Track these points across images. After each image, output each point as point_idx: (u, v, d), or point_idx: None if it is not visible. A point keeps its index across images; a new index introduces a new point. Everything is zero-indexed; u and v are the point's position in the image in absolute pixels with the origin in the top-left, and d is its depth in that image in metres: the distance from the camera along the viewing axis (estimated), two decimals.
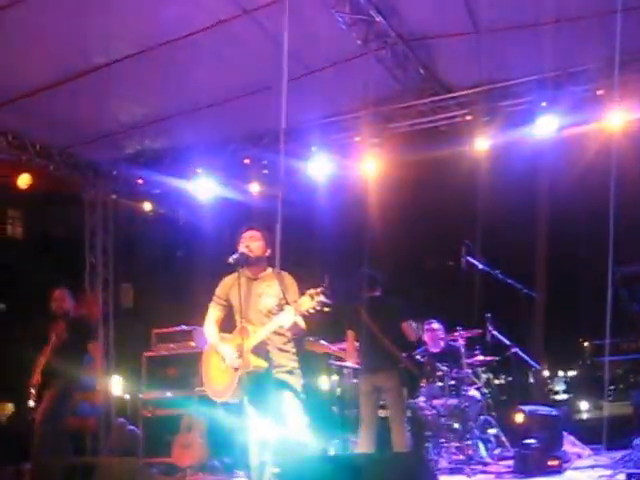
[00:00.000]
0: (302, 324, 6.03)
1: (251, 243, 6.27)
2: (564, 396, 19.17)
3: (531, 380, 15.17)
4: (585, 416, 13.09)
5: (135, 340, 13.96)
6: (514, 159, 11.27)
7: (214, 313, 6.42)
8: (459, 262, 9.23)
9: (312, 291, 5.82)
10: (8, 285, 19.30)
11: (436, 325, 9.95)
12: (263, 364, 6.02)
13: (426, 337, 9.98)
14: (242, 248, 6.22)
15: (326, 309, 5.91)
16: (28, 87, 9.70)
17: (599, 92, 9.72)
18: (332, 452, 9.42)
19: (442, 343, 9.82)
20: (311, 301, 5.79)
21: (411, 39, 9.16)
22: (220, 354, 6.18)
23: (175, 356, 10.94)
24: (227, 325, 6.32)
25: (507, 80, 9.96)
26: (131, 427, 11.53)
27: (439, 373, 9.40)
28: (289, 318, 5.90)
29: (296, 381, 6.24)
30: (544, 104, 9.98)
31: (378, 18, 8.55)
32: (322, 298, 5.79)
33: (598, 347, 11.77)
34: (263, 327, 6.02)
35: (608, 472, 7.81)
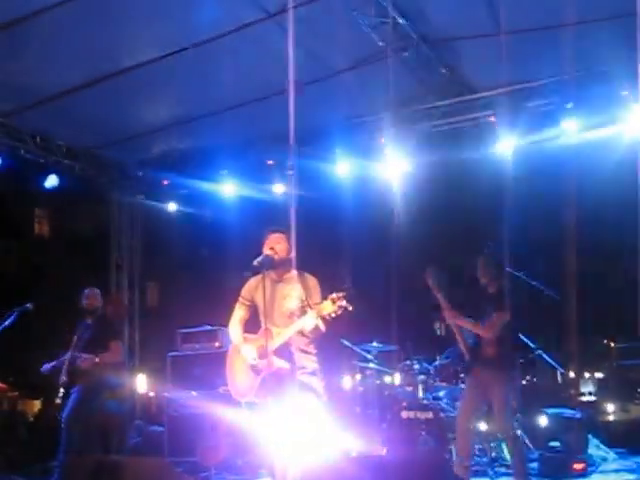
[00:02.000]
0: (322, 328, 6.09)
1: (276, 245, 6.35)
2: (591, 398, 19.06)
3: (559, 380, 15.13)
4: (611, 418, 13.04)
5: (160, 339, 14.09)
6: (538, 159, 11.27)
7: (239, 314, 6.52)
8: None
9: (334, 295, 5.88)
10: (35, 284, 19.49)
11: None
12: (285, 365, 6.10)
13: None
14: (267, 250, 6.31)
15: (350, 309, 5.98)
16: (56, 89, 9.83)
17: (623, 93, 9.69)
18: (355, 452, 9.47)
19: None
20: (332, 305, 5.85)
21: (434, 41, 9.18)
22: (242, 355, 6.27)
23: (200, 356, 11.02)
24: (253, 326, 6.41)
25: (531, 81, 9.96)
26: (155, 427, 11.64)
27: (462, 375, 9.42)
28: (311, 321, 5.97)
29: (318, 382, 6.32)
30: (569, 105, 9.98)
31: (401, 20, 8.58)
32: (343, 303, 5.85)
33: (625, 349, 11.75)
34: (286, 329, 6.10)
35: (633, 477, 7.83)
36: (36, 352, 9.19)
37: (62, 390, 8.70)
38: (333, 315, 5.88)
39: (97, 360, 8.63)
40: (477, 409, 7.51)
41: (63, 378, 8.65)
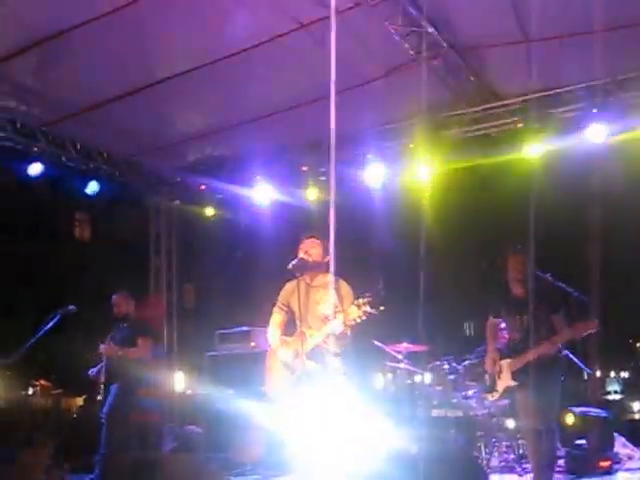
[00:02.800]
0: (349, 332, 6.13)
1: (310, 249, 6.40)
2: (616, 397, 18.90)
3: (585, 378, 15.01)
4: (637, 417, 12.95)
5: (197, 339, 14.16)
6: (565, 165, 11.20)
7: (277, 318, 6.58)
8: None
9: (360, 301, 5.92)
10: (77, 286, 19.66)
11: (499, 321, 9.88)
12: (318, 367, 6.14)
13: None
14: (301, 254, 6.36)
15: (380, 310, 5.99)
16: (95, 100, 9.94)
17: None
18: (386, 450, 9.46)
19: (503, 340, 9.75)
20: (358, 310, 5.89)
21: (463, 49, 9.16)
22: (279, 357, 6.33)
23: (236, 355, 11.09)
24: (292, 329, 6.46)
25: (557, 87, 9.91)
26: (191, 424, 11.71)
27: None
28: (339, 326, 6.00)
29: (349, 383, 6.34)
30: (595, 111, 9.92)
31: (430, 29, 8.57)
32: (368, 308, 5.88)
33: None
34: (318, 332, 6.14)
35: None
36: (78, 352, 9.27)
37: (102, 387, 8.82)
38: (359, 320, 5.91)
39: (120, 353, 8.74)
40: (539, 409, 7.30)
41: (101, 377, 8.77)
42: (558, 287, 7.15)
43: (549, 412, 7.10)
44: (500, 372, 7.31)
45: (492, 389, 7.40)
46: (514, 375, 7.17)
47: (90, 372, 9.08)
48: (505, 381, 7.26)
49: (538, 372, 6.96)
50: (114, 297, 9.24)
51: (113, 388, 8.79)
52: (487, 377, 7.56)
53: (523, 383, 7.08)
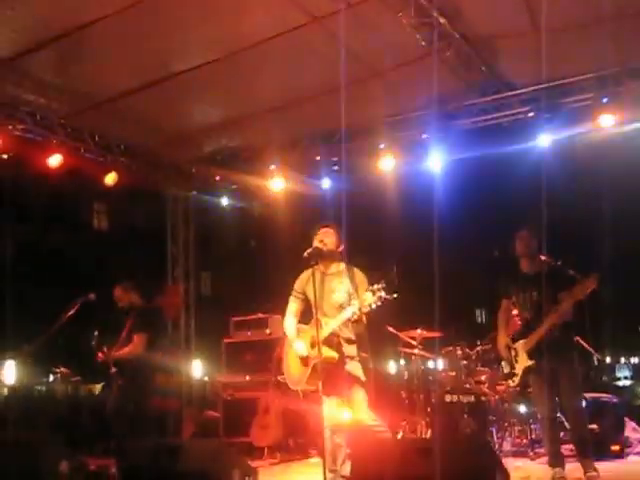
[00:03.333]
0: (364, 318, 6.16)
1: (325, 238, 6.45)
2: (627, 382, 18.92)
3: (595, 364, 15.02)
4: None
5: (214, 326, 14.23)
6: (576, 154, 11.18)
7: (293, 306, 6.64)
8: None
9: (375, 287, 5.96)
10: (96, 274, 19.76)
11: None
12: (334, 354, 6.18)
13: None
14: (316, 243, 6.40)
15: (394, 296, 6.02)
16: (113, 92, 9.96)
17: None
18: (400, 435, 9.52)
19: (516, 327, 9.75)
20: (373, 296, 5.92)
21: (474, 39, 9.13)
22: (295, 346, 6.39)
23: (252, 342, 11.14)
24: (308, 316, 6.50)
25: (568, 77, 9.88)
26: (210, 411, 11.79)
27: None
28: (355, 311, 6.04)
29: (364, 369, 6.39)
30: (605, 100, 9.88)
31: (442, 20, 8.56)
32: (383, 294, 5.91)
33: None
34: (334, 319, 6.18)
35: None
36: (97, 339, 9.33)
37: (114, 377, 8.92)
38: (374, 306, 5.94)
39: (111, 358, 8.91)
40: (555, 396, 7.32)
41: (112, 369, 8.94)
42: (562, 268, 7.17)
43: (571, 395, 7.17)
44: (516, 355, 7.36)
45: (511, 375, 7.44)
46: (530, 354, 7.22)
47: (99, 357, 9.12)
48: (522, 363, 7.31)
49: (555, 354, 7.04)
50: (115, 291, 9.34)
51: (123, 378, 8.94)
52: (504, 364, 7.61)
53: (540, 362, 7.14)
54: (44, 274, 22.30)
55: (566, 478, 7.06)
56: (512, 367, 7.41)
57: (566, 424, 8.18)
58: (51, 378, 15.59)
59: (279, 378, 9.60)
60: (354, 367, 6.37)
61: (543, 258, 7.34)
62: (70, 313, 8.93)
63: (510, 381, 7.56)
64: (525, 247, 7.39)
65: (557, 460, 7.19)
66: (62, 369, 13.73)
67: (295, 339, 6.45)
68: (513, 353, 7.40)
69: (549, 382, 7.16)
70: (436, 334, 10.07)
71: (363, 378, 6.37)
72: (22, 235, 21.15)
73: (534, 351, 7.19)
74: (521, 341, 7.33)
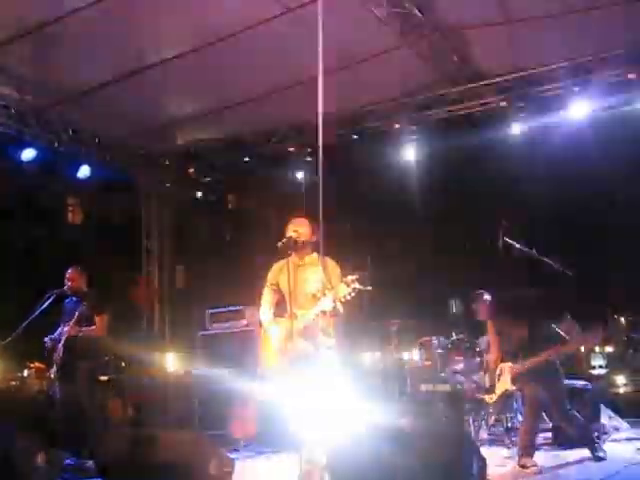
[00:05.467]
0: (340, 309, 6.16)
1: (299, 228, 6.42)
2: (602, 371, 19.01)
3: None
4: (622, 390, 13.02)
5: (189, 319, 14.16)
6: (548, 142, 11.22)
7: (267, 298, 6.61)
8: (497, 243, 9.21)
9: (348, 279, 5.96)
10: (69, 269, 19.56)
11: (485, 295, 9.96)
12: (309, 345, 6.17)
13: (475, 306, 10.01)
14: (290, 233, 6.38)
15: (368, 288, 6.03)
16: (86, 85, 9.92)
17: (630, 76, 9.64)
18: (376, 425, 9.52)
19: (489, 314, 9.79)
20: (347, 288, 5.92)
21: (446, 30, 9.15)
22: (271, 338, 6.37)
23: (228, 334, 11.09)
24: (284, 308, 6.47)
25: (540, 66, 9.92)
26: (186, 403, 11.73)
27: (477, 349, 9.44)
28: (330, 303, 6.04)
29: (340, 360, 6.38)
30: (576, 89, 9.93)
31: (414, 11, 8.57)
32: (357, 285, 5.91)
33: (634, 322, 11.70)
34: (309, 311, 6.17)
35: None
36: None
37: (59, 365, 8.70)
38: (348, 297, 5.95)
39: (80, 332, 8.66)
40: (544, 397, 7.45)
41: (59, 355, 8.63)
42: (556, 296, 7.36)
43: (557, 407, 7.36)
44: (501, 375, 7.50)
45: (491, 391, 7.61)
46: (513, 381, 7.38)
47: (46, 341, 8.94)
48: (504, 384, 7.47)
49: (538, 374, 7.27)
50: (69, 271, 9.08)
51: (77, 368, 8.75)
52: (487, 378, 7.78)
53: (522, 389, 7.48)
54: (17, 269, 22.07)
55: (538, 466, 7.12)
56: (494, 384, 7.58)
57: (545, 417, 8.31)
58: (25, 373, 15.44)
59: (258, 369, 9.58)
60: (331, 357, 6.36)
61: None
62: (44, 306, 8.85)
63: (487, 396, 7.74)
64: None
65: (530, 449, 7.27)
66: (37, 364, 13.61)
67: (271, 325, 6.44)
68: (498, 371, 7.55)
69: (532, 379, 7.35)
70: (409, 324, 10.10)
71: (339, 367, 6.36)
72: None
73: (518, 379, 7.42)
74: (509, 363, 7.48)
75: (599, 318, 7.41)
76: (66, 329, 8.63)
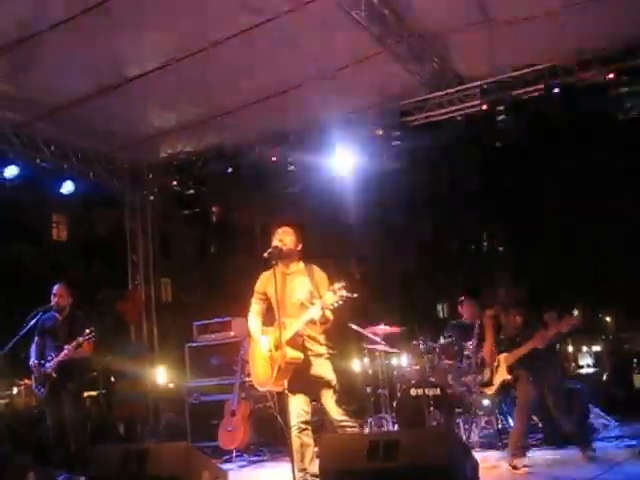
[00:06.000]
0: (330, 316, 6.15)
1: (284, 237, 6.42)
2: (589, 370, 19.09)
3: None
4: (610, 389, 13.06)
5: (176, 332, 14.13)
6: (528, 145, 11.26)
7: (255, 308, 6.59)
8: (481, 245, 9.24)
9: (335, 286, 5.97)
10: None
11: (472, 299, 9.98)
12: (299, 354, 6.15)
13: (461, 309, 10.04)
14: (276, 242, 6.36)
15: (355, 295, 6.03)
16: (67, 99, 9.84)
17: (609, 76, 9.67)
18: (367, 430, 9.50)
19: (475, 317, 9.81)
20: (334, 296, 5.92)
21: (426, 34, 9.15)
22: (260, 348, 6.35)
23: (216, 345, 11.06)
24: (271, 317, 6.46)
25: (520, 69, 9.94)
26: (175, 416, 11.69)
27: (466, 352, 9.43)
28: (318, 312, 6.03)
29: (329, 367, 6.37)
30: (556, 90, 9.95)
31: (393, 15, 8.57)
32: (344, 293, 5.91)
33: (621, 322, 11.74)
34: (297, 319, 6.15)
35: (634, 442, 7.88)
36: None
37: (47, 384, 8.69)
38: (336, 305, 5.95)
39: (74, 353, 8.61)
40: (535, 398, 7.46)
41: (53, 374, 8.64)
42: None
43: (555, 397, 7.41)
44: (498, 366, 7.51)
45: (490, 383, 7.62)
46: (509, 369, 7.39)
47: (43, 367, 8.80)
48: (501, 375, 7.49)
49: (534, 363, 7.34)
50: (57, 287, 9.02)
51: (65, 386, 8.71)
52: (486, 371, 7.80)
53: (519, 376, 7.41)
54: (4, 287, 21.99)
55: (528, 467, 7.14)
56: (491, 377, 7.59)
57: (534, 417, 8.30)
58: (15, 391, 15.35)
59: (246, 380, 9.56)
60: (321, 365, 6.34)
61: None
62: (31, 324, 8.78)
63: (487, 389, 7.75)
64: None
65: (521, 450, 7.28)
66: (26, 382, 13.53)
67: (259, 336, 6.41)
68: (495, 363, 7.56)
69: (530, 375, 7.36)
70: (396, 329, 10.10)
71: (331, 376, 6.35)
72: None
73: (515, 367, 7.41)
74: (504, 354, 7.50)
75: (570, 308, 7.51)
76: (64, 352, 8.57)
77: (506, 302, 7.70)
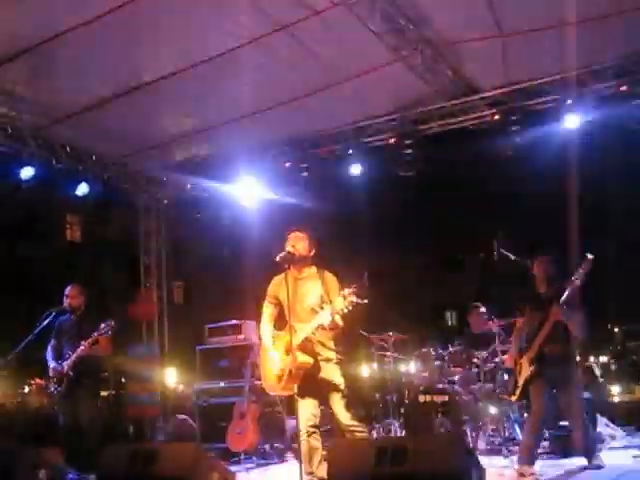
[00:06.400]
0: (339, 322, 6.17)
1: (297, 243, 6.43)
2: (596, 380, 19.03)
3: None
4: (617, 399, 13.04)
5: (187, 334, 14.16)
6: (542, 155, 11.25)
7: (267, 312, 6.62)
8: (492, 254, 9.25)
9: (345, 292, 5.98)
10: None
11: (481, 309, 9.97)
12: (308, 359, 6.18)
13: (470, 318, 10.05)
14: (288, 247, 6.39)
15: (365, 301, 6.05)
16: (83, 103, 9.90)
17: (622, 88, 9.68)
18: (375, 436, 9.51)
19: (485, 326, 9.82)
20: (343, 301, 5.94)
21: (440, 44, 9.17)
22: (271, 352, 6.38)
23: (226, 348, 11.10)
24: (284, 321, 6.48)
25: (533, 80, 9.95)
26: (185, 416, 11.72)
27: (475, 360, 9.44)
28: (328, 317, 6.05)
29: (338, 372, 6.39)
30: (569, 101, 9.96)
31: (408, 26, 8.60)
32: (354, 298, 5.93)
33: (629, 333, 11.72)
34: (308, 324, 6.17)
35: None
36: None
37: (64, 383, 8.67)
38: (345, 310, 5.96)
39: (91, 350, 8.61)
40: (550, 408, 7.42)
41: (67, 371, 8.63)
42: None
43: (571, 398, 7.36)
44: (520, 369, 7.47)
45: (514, 390, 7.55)
46: (530, 361, 7.33)
47: (60, 367, 8.75)
48: (524, 373, 7.43)
49: (555, 366, 7.25)
50: (69, 288, 9.01)
51: (80, 385, 8.70)
52: (509, 379, 7.76)
53: (538, 370, 7.29)
54: (18, 287, 22.11)
55: (536, 474, 7.11)
56: (516, 382, 7.54)
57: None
58: (26, 389, 15.43)
59: (256, 383, 9.59)
60: (330, 369, 6.36)
61: (560, 282, 7.43)
62: (44, 324, 8.82)
63: (512, 396, 7.68)
64: (543, 271, 7.49)
65: (530, 458, 7.25)
66: (37, 381, 13.60)
67: (270, 349, 6.44)
68: (518, 368, 7.52)
69: (547, 384, 7.29)
70: (406, 337, 10.11)
71: (340, 380, 6.37)
72: None
73: (535, 358, 7.33)
74: (525, 355, 7.46)
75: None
76: (81, 347, 8.55)
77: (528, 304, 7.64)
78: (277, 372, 6.31)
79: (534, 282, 7.60)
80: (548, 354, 7.24)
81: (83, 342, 8.58)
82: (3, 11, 7.77)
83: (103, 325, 8.58)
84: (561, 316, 7.11)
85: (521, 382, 7.43)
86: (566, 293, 7.08)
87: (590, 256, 7.06)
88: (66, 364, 8.62)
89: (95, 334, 8.55)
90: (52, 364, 8.84)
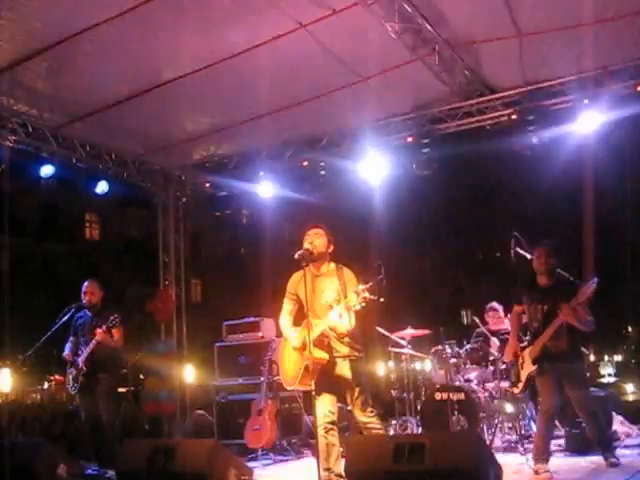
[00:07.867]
0: (352, 319, 6.13)
1: (315, 240, 6.41)
2: (611, 379, 18.99)
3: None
4: (631, 398, 12.99)
5: (205, 331, 14.17)
6: (558, 155, 11.19)
7: (287, 307, 6.61)
8: (509, 253, 9.19)
9: (359, 288, 5.94)
10: None
11: (497, 305, 9.94)
12: (324, 355, 6.16)
13: (487, 316, 10.02)
14: (306, 244, 6.36)
15: (381, 299, 6.02)
16: (103, 102, 9.95)
17: (639, 88, 9.61)
18: (392, 433, 9.48)
19: (502, 324, 9.77)
20: (357, 298, 5.90)
21: (457, 44, 9.15)
22: (288, 341, 6.37)
23: (244, 345, 11.09)
24: (302, 318, 6.46)
25: (549, 80, 9.91)
26: (202, 412, 11.74)
27: (491, 358, 9.40)
28: (336, 317, 6.05)
29: (356, 368, 6.36)
30: (586, 101, 9.90)
31: (426, 26, 8.58)
32: (367, 295, 5.89)
33: None
34: (323, 320, 6.15)
35: None
36: None
37: (80, 379, 8.67)
38: (358, 307, 5.93)
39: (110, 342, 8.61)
40: (558, 404, 7.35)
41: (84, 367, 8.61)
42: (574, 282, 7.24)
43: (579, 392, 7.28)
44: (523, 362, 7.40)
45: (517, 382, 7.50)
46: (534, 360, 7.27)
47: (79, 360, 8.72)
48: (527, 369, 7.36)
49: (560, 362, 7.17)
50: (86, 284, 8.95)
51: (98, 380, 8.69)
52: (511, 372, 7.69)
53: (543, 368, 7.22)
54: (38, 284, 22.23)
55: (550, 472, 7.07)
56: (518, 374, 7.47)
57: (557, 423, 8.21)
58: (46, 386, 15.50)
59: (274, 380, 9.59)
60: (347, 366, 6.34)
61: (560, 274, 7.37)
62: (63, 320, 8.84)
63: (515, 388, 7.61)
64: (543, 263, 7.40)
65: (544, 455, 7.21)
66: (56, 377, 13.66)
67: (289, 331, 6.43)
68: (520, 360, 7.45)
69: (554, 380, 7.23)
70: (425, 332, 10.06)
71: (357, 377, 6.34)
72: (16, 246, 21.08)
73: (539, 357, 7.25)
74: (528, 348, 7.38)
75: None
76: (93, 341, 8.52)
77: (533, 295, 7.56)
78: (295, 367, 6.30)
79: (532, 270, 7.52)
80: (554, 350, 7.17)
81: (84, 337, 8.66)
82: (25, 9, 7.80)
83: (112, 317, 8.57)
84: (574, 320, 7.04)
85: (524, 377, 7.40)
86: (580, 298, 7.01)
87: (595, 280, 7.02)
88: (80, 360, 8.64)
89: (104, 327, 8.54)
90: (67, 352, 8.89)
